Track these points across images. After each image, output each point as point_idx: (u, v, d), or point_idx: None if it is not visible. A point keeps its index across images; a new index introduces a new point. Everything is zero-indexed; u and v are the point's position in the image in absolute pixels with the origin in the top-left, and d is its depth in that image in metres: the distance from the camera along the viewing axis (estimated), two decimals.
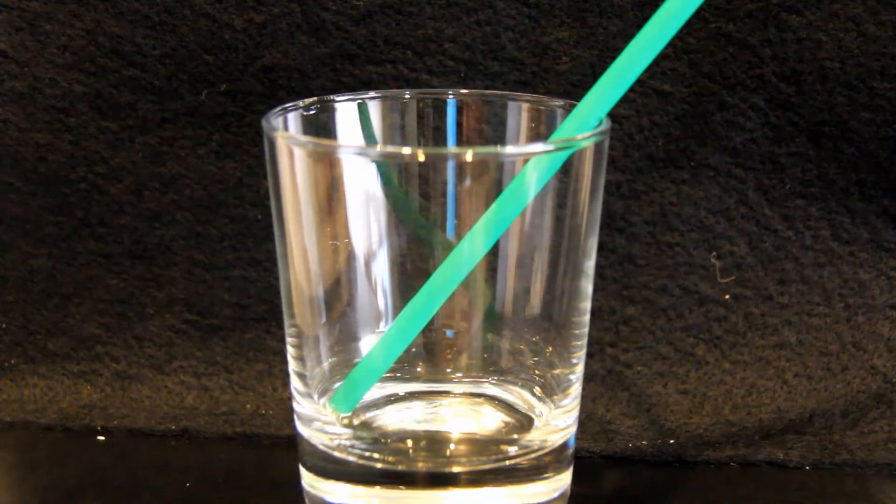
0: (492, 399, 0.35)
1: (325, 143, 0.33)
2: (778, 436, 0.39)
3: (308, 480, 0.34)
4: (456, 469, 0.32)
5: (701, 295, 0.42)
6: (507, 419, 0.35)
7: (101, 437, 0.40)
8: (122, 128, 0.42)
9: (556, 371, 0.34)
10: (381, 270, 0.34)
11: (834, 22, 0.39)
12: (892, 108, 0.40)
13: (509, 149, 0.33)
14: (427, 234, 0.34)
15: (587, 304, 0.33)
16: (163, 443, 0.40)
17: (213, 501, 0.36)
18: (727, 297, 0.42)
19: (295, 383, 0.33)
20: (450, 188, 0.32)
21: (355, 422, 0.34)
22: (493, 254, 0.33)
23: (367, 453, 0.32)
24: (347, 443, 0.33)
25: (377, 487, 0.32)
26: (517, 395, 0.35)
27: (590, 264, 0.33)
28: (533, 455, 0.32)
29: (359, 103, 0.35)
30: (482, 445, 0.34)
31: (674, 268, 0.42)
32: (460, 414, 0.35)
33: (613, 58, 0.31)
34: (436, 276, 0.31)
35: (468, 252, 0.31)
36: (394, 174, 0.33)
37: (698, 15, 0.40)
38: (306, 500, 0.34)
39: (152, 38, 0.41)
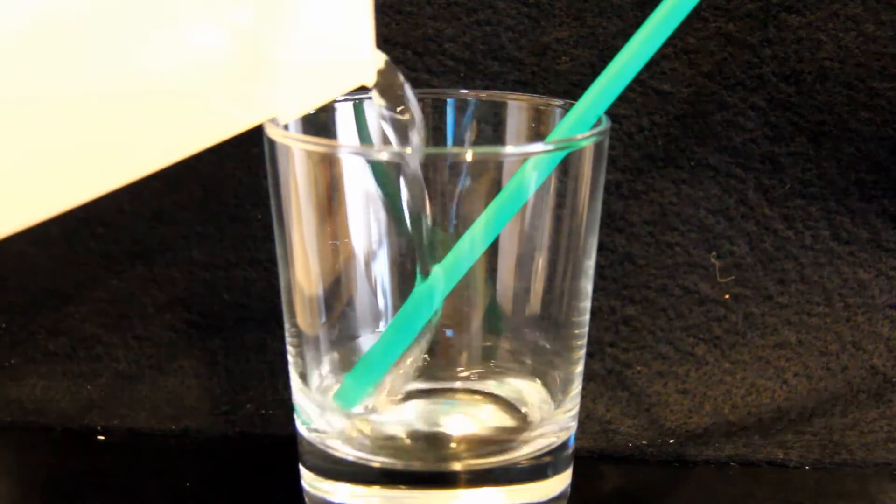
0: (492, 398, 0.35)
1: (325, 143, 0.33)
2: (778, 435, 0.39)
3: (308, 480, 0.34)
4: (456, 469, 0.32)
5: (701, 295, 0.42)
6: (508, 419, 0.35)
7: (101, 437, 0.40)
8: None
9: (556, 371, 0.34)
10: (381, 270, 0.34)
11: (834, 22, 0.39)
12: (892, 108, 0.40)
13: (509, 149, 0.33)
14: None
15: (587, 304, 0.33)
16: (163, 443, 0.40)
17: (213, 501, 0.36)
18: (727, 297, 0.42)
19: (295, 383, 0.33)
20: (450, 188, 0.32)
21: (356, 421, 0.34)
22: (493, 254, 0.33)
23: (367, 453, 0.32)
24: (347, 442, 0.33)
25: (377, 487, 0.32)
26: (517, 395, 0.35)
27: (590, 264, 0.33)
28: (533, 455, 0.32)
29: (354, 104, 0.35)
30: (482, 445, 0.34)
31: (674, 268, 0.42)
32: (460, 413, 0.35)
33: (613, 57, 0.31)
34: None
35: (467, 251, 0.31)
36: (393, 174, 0.33)
37: (698, 15, 0.40)
38: (306, 500, 0.34)
39: None
